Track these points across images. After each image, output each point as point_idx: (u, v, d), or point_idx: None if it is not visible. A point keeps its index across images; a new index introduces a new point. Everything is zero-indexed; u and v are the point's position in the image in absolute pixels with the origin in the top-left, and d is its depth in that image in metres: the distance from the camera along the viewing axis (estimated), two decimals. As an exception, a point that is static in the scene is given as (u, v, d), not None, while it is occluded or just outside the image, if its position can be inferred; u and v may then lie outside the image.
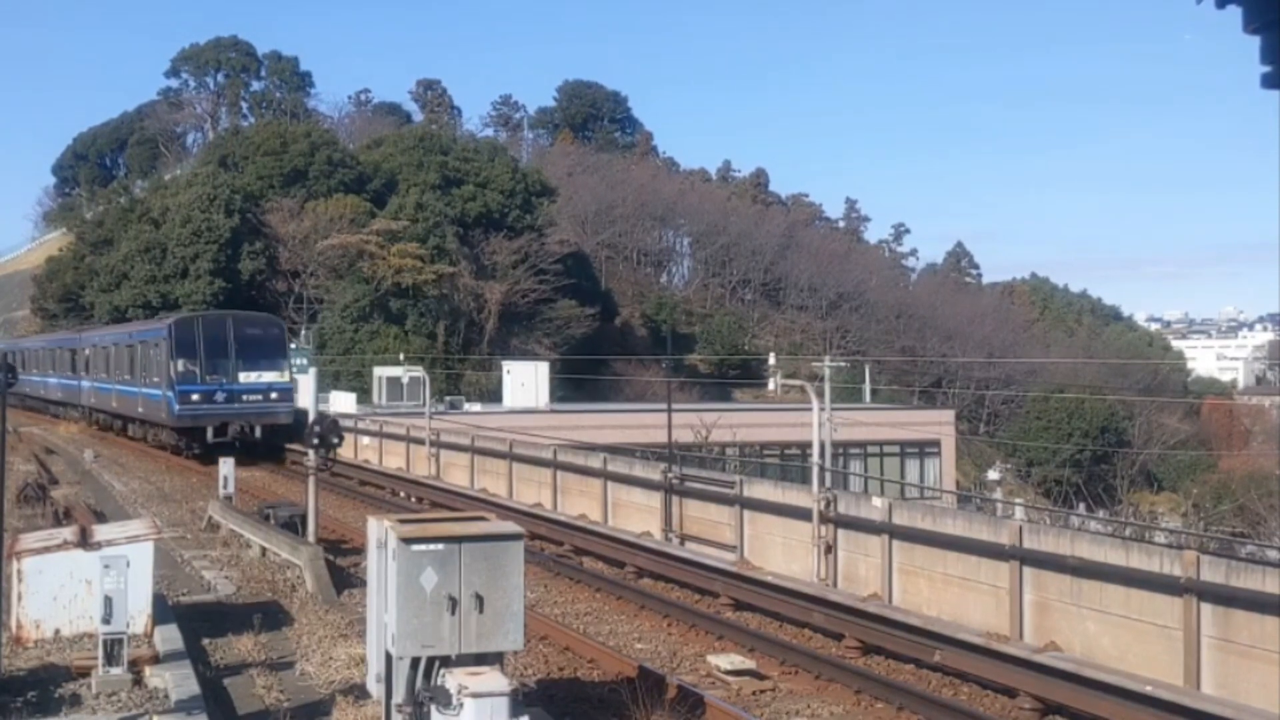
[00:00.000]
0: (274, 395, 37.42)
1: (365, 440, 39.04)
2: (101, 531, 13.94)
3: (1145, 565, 12.76)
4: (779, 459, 50.10)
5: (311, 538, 18.73)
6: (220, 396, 36.64)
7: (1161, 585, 12.52)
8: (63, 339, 59.18)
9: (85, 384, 50.86)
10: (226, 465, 24.74)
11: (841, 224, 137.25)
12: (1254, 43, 3.68)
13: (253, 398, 36.97)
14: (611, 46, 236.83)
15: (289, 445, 37.45)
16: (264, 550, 19.60)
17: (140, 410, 40.93)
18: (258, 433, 36.63)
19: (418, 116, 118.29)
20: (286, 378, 38.37)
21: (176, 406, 36.41)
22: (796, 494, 19.04)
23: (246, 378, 37.14)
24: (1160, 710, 10.98)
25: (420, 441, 34.53)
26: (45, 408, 61.43)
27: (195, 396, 36.46)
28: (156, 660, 11.73)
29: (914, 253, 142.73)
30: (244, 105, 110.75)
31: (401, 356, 54.76)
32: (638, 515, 23.46)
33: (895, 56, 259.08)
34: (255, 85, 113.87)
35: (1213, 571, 12.03)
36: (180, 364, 36.77)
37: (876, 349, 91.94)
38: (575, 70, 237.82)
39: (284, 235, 67.72)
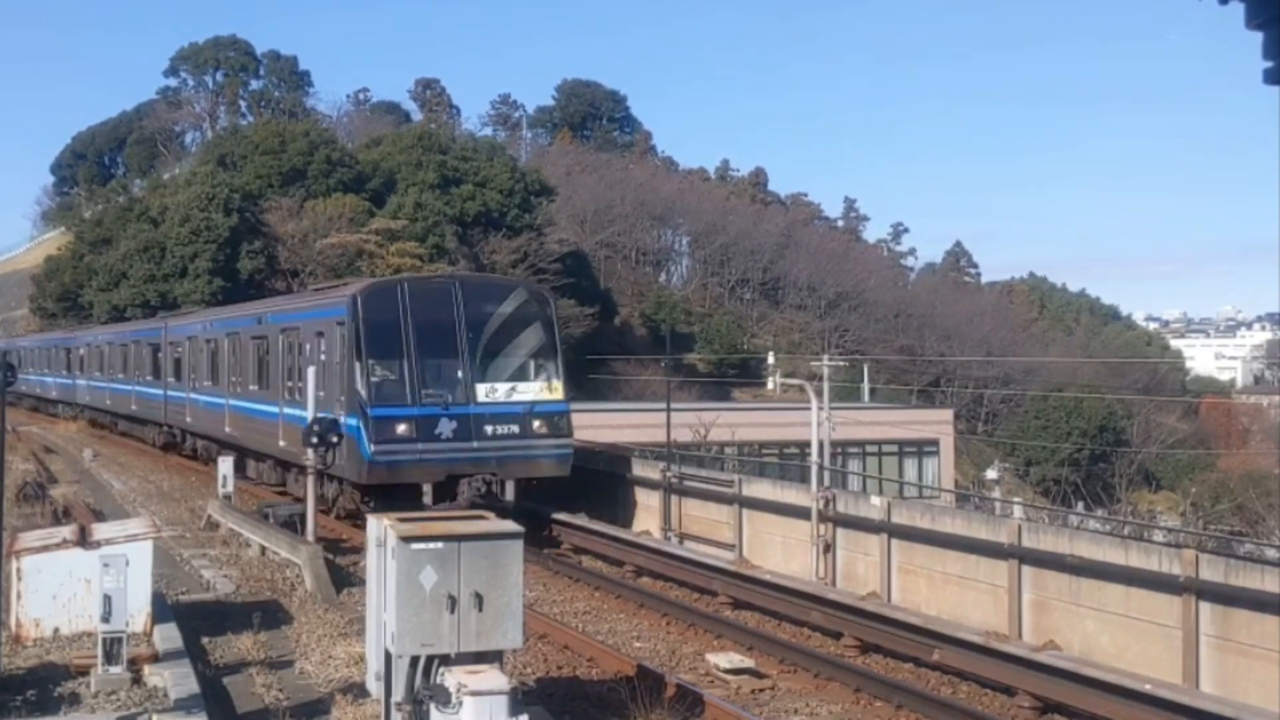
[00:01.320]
0: (538, 425, 21.70)
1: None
2: (101, 530, 13.91)
3: (1144, 564, 12.78)
4: (778, 458, 50.09)
5: (311, 536, 18.71)
6: (446, 428, 20.98)
7: (1160, 584, 12.54)
8: (138, 330, 44.62)
9: (174, 395, 35.96)
10: (225, 464, 24.62)
11: (840, 223, 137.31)
12: (1256, 39, 3.69)
13: (503, 429, 21.47)
14: (610, 46, 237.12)
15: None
16: (263, 549, 19.59)
17: (285, 444, 24.79)
18: (509, 492, 21.23)
19: (416, 116, 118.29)
20: (560, 394, 22.22)
21: (370, 447, 20.65)
22: (795, 493, 19.07)
23: (490, 393, 21.54)
24: (1159, 709, 10.98)
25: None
26: (111, 423, 47.39)
27: (402, 428, 20.83)
28: (156, 659, 11.72)
29: (913, 252, 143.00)
30: (243, 104, 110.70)
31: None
32: (637, 514, 23.47)
33: (894, 56, 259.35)
34: (254, 84, 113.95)
35: (1211, 570, 12.04)
36: (376, 369, 21.31)
37: (875, 348, 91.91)
38: (574, 69, 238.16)
39: (283, 234, 67.64)
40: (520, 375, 21.99)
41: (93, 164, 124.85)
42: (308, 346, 24.12)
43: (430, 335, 21.64)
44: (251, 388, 28.20)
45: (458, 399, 21.23)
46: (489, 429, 21.18)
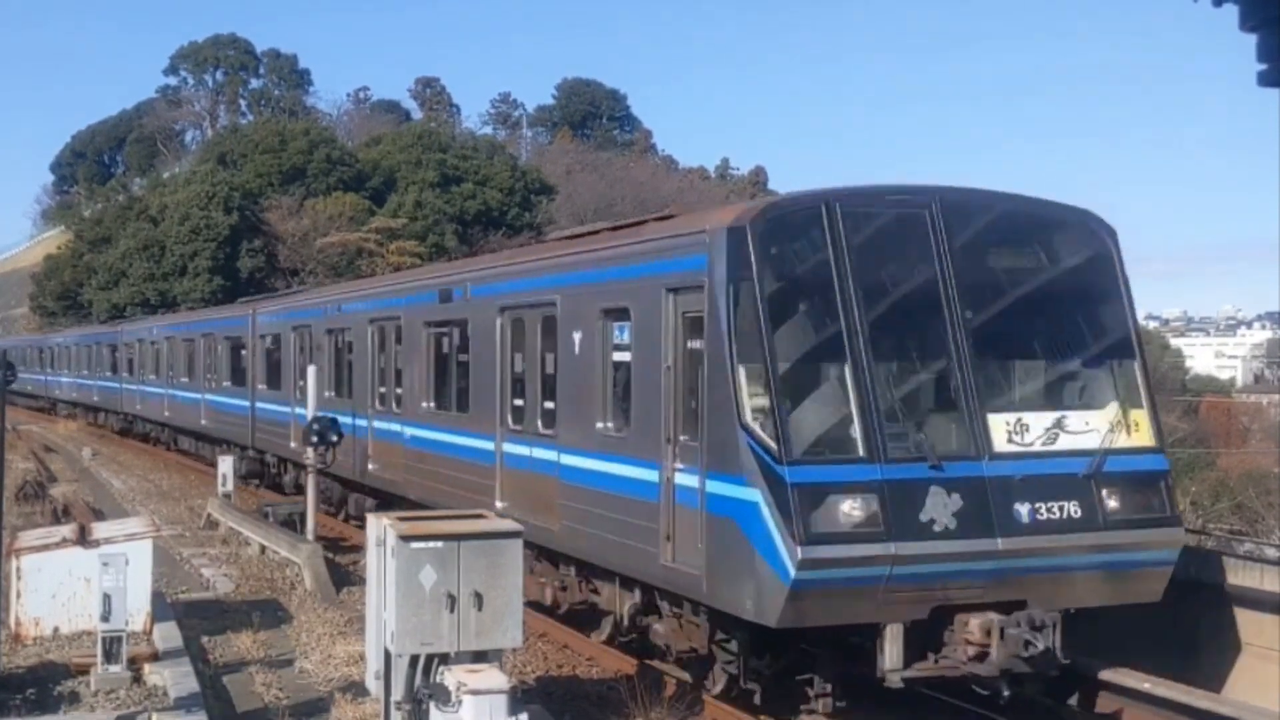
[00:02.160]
0: (1112, 497, 10.56)
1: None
2: (100, 529, 13.92)
3: (1143, 563, 12.75)
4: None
5: (311, 535, 18.73)
6: (941, 510, 10.01)
7: (1159, 583, 12.51)
8: (211, 320, 34.36)
9: (268, 409, 26.73)
10: (225, 463, 24.63)
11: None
12: (1251, 41, 3.70)
13: (1048, 510, 10.37)
14: (610, 44, 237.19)
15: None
16: (263, 548, 19.60)
17: (506, 505, 14.71)
18: (1056, 637, 10.13)
19: (416, 114, 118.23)
20: (1148, 433, 11.04)
21: (793, 551, 9.53)
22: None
23: (1019, 432, 10.67)
24: (1159, 708, 10.98)
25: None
26: (170, 439, 38.29)
27: (852, 508, 9.82)
28: (155, 658, 11.74)
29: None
30: (242, 103, 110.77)
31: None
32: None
33: (894, 54, 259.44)
34: (254, 83, 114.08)
35: (1211, 569, 12.04)
36: (789, 384, 10.29)
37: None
38: (574, 68, 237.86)
39: (283, 233, 67.62)
40: (1069, 394, 11.39)
41: (93, 163, 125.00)
42: (578, 338, 13.24)
43: (894, 313, 10.92)
44: (425, 406, 18.12)
45: (956, 447, 10.59)
46: (1020, 510, 10.40)
